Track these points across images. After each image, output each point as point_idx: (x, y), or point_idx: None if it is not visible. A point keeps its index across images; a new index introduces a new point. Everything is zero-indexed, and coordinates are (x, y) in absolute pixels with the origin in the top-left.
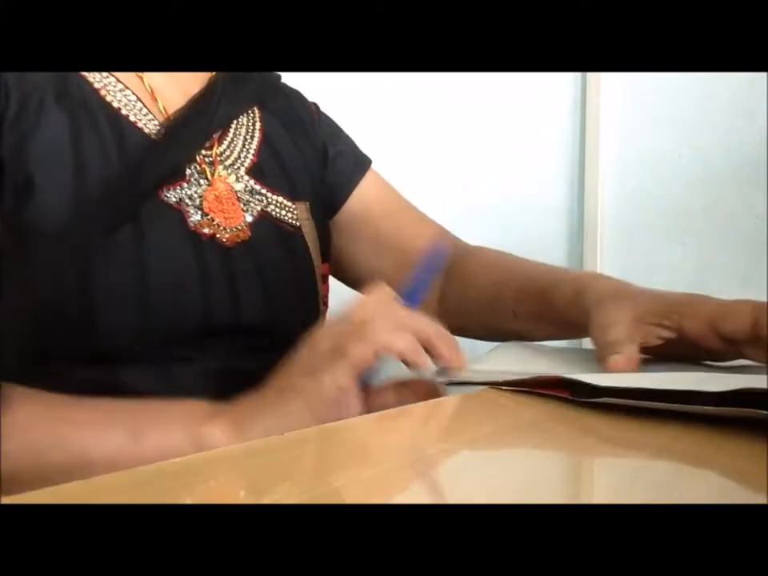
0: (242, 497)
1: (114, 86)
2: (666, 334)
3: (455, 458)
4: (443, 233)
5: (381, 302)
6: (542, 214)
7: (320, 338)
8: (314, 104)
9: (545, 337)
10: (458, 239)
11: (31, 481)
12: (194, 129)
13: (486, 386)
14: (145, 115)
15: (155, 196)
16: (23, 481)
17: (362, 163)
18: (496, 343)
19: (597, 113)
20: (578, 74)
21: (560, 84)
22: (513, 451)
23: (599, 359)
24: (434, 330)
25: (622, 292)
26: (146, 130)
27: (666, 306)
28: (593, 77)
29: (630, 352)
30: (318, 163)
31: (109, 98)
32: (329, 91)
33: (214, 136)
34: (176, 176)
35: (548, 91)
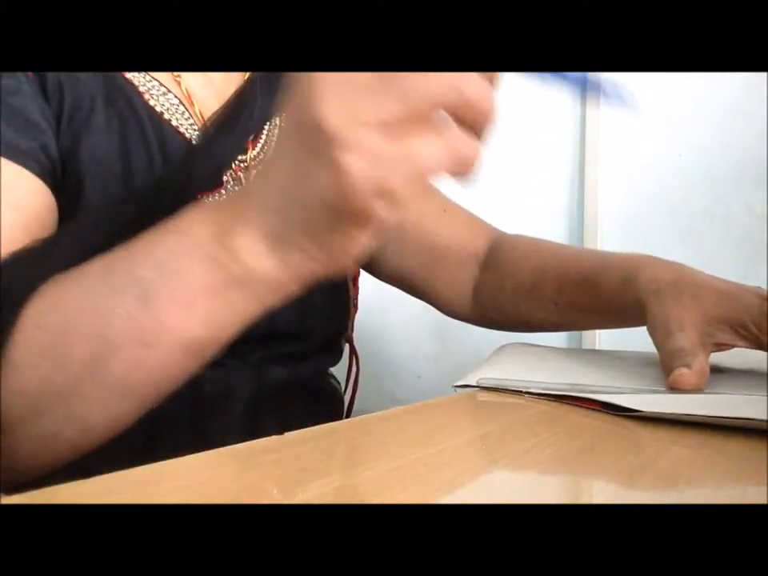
0: (241, 497)
1: (157, 90)
2: (741, 344)
3: (455, 458)
4: (474, 221)
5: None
6: (542, 214)
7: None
8: None
9: (589, 327)
10: (492, 227)
11: (65, 390)
12: (234, 133)
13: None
14: (186, 119)
15: (195, 202)
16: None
17: None
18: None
19: (597, 113)
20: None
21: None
22: (513, 451)
23: (663, 368)
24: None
25: (682, 282)
26: (187, 135)
27: (738, 309)
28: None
29: (700, 365)
30: None
31: (152, 102)
32: None
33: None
34: (216, 183)
35: (548, 91)
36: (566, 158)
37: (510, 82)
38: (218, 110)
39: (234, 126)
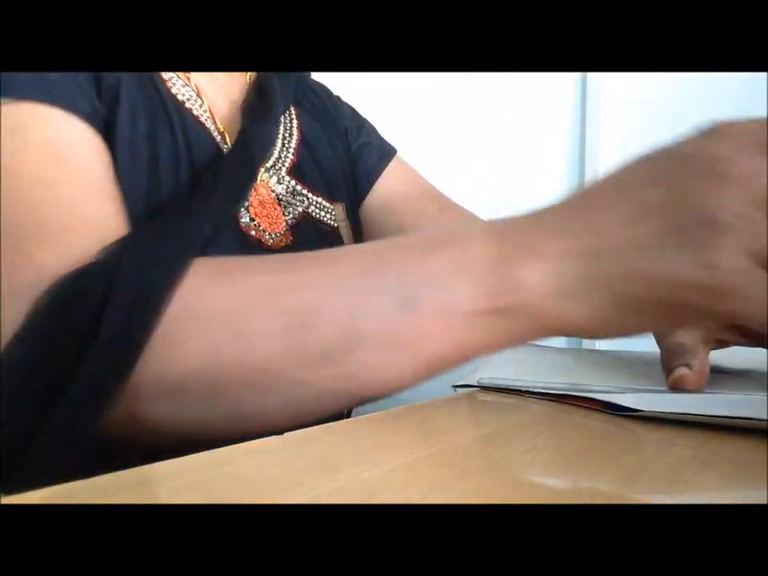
0: (240, 497)
1: (177, 80)
2: (742, 342)
3: (455, 458)
4: (473, 220)
5: None
6: None
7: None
8: (337, 96)
9: None
10: None
11: (292, 373)
12: (264, 138)
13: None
14: (204, 111)
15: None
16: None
17: (386, 153)
18: None
19: (597, 113)
20: (577, 74)
21: (560, 84)
22: (513, 451)
23: (663, 366)
24: None
25: None
26: (207, 126)
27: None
28: (593, 77)
29: (701, 364)
30: (347, 158)
31: (174, 91)
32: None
33: None
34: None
35: (548, 91)
36: (566, 157)
37: (511, 82)
38: (246, 102)
39: (266, 127)
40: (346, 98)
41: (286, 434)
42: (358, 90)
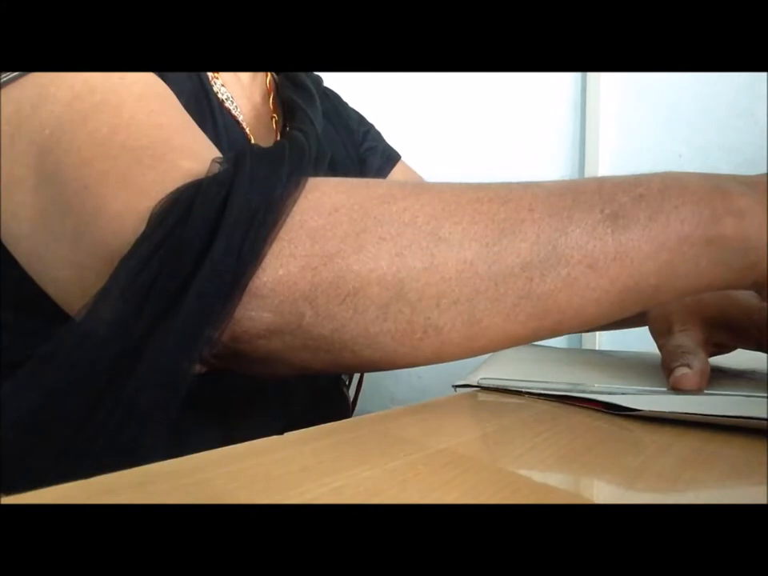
0: (240, 497)
1: (217, 80)
2: (742, 345)
3: (455, 458)
4: None
5: None
6: None
7: None
8: (345, 102)
9: (592, 329)
10: None
11: (484, 285)
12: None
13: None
14: (239, 113)
15: None
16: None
17: (390, 158)
18: None
19: (597, 113)
20: (577, 74)
21: (560, 84)
22: (513, 451)
23: (664, 367)
24: None
25: None
26: (243, 125)
27: (739, 310)
28: (593, 77)
29: (701, 364)
30: (357, 161)
31: (215, 89)
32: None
33: (276, 140)
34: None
35: (548, 91)
36: (566, 158)
37: (511, 82)
38: (284, 95)
39: (305, 133)
40: (346, 97)
41: (286, 434)
42: (358, 89)
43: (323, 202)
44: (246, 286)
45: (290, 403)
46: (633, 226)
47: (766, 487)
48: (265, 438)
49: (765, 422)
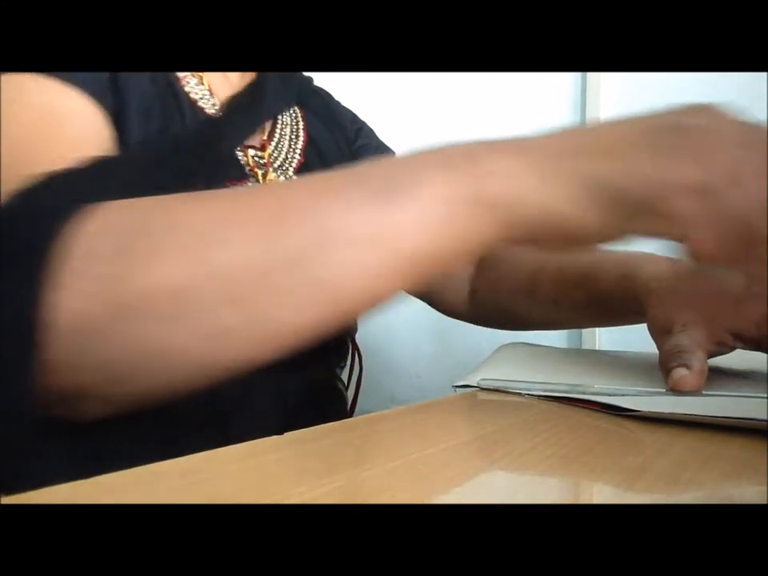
0: (240, 497)
1: (191, 79)
2: (741, 346)
3: (455, 458)
4: None
5: None
6: None
7: (706, 128)
8: (338, 101)
9: (587, 325)
10: None
11: (264, 277)
12: (248, 113)
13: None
14: (217, 110)
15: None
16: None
17: (384, 155)
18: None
19: (597, 113)
20: (577, 74)
21: (560, 84)
22: (513, 451)
23: (662, 367)
24: None
25: (680, 281)
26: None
27: (740, 311)
28: (593, 77)
29: (700, 365)
30: (350, 159)
31: (187, 89)
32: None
33: (264, 138)
34: (229, 158)
35: (548, 91)
36: None
37: (511, 82)
38: (237, 93)
39: (251, 106)
40: (345, 97)
41: (286, 434)
42: (357, 89)
43: (101, 225)
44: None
45: (284, 398)
46: (401, 199)
47: (766, 487)
48: (265, 438)
49: (765, 422)
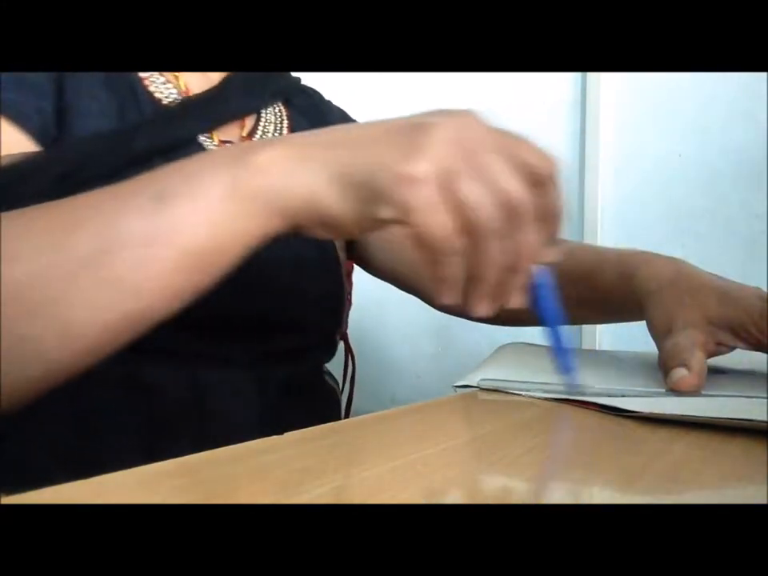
0: (240, 497)
1: (157, 79)
2: (741, 345)
3: (455, 458)
4: None
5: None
6: None
7: (438, 129)
8: (328, 100)
9: (586, 322)
10: None
11: (61, 284)
12: (204, 108)
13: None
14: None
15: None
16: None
17: None
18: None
19: (597, 113)
20: (577, 74)
21: (560, 84)
22: (513, 451)
23: (662, 366)
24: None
25: (682, 280)
26: None
27: (738, 310)
28: (593, 77)
29: (699, 365)
30: None
31: (152, 89)
32: (328, 91)
33: (244, 135)
34: (174, 149)
35: (548, 91)
36: (566, 158)
37: (511, 82)
38: (196, 94)
39: (213, 101)
40: (343, 97)
41: (286, 434)
42: (357, 90)
43: None
44: None
45: (265, 391)
46: (179, 200)
47: (766, 487)
48: (265, 438)
49: (765, 423)
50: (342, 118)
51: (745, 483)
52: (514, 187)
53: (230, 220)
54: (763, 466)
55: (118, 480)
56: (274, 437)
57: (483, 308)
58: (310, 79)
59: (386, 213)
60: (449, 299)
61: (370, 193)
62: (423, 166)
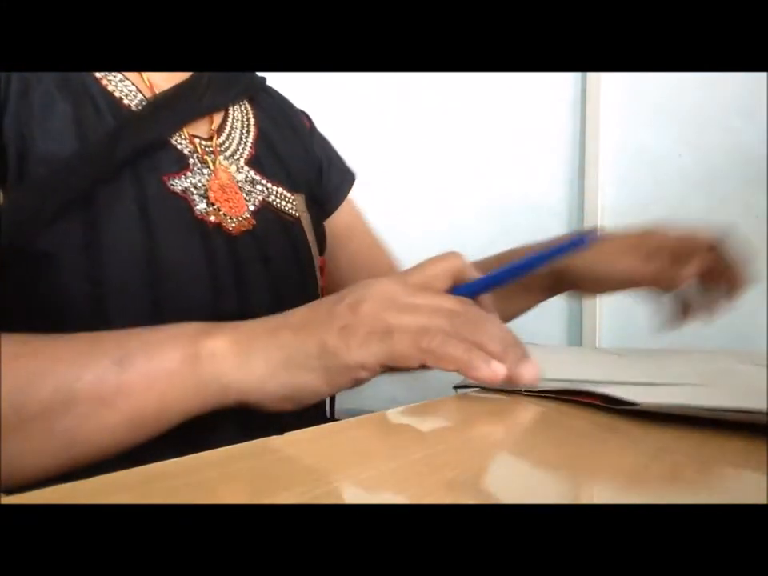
0: (240, 497)
1: (115, 76)
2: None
3: (455, 458)
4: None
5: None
6: (541, 214)
7: (364, 296)
8: (305, 113)
9: (518, 312)
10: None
11: (13, 428)
12: (176, 107)
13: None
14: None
15: (161, 183)
16: (6, 429)
17: (349, 178)
18: None
19: (597, 113)
20: (577, 74)
21: (560, 84)
22: (512, 451)
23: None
24: (504, 336)
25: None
26: None
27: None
28: (593, 77)
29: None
30: (314, 169)
31: (110, 88)
32: (328, 91)
33: (213, 129)
34: (153, 149)
35: (548, 91)
36: (566, 158)
37: (511, 82)
38: (170, 88)
39: (181, 100)
40: (343, 97)
41: (286, 433)
42: (357, 90)
43: None
44: None
45: None
46: (135, 366)
47: (766, 487)
48: (264, 438)
49: (765, 415)
50: (320, 138)
51: (745, 483)
52: (438, 302)
53: (175, 390)
54: (763, 466)
55: (117, 480)
56: (274, 437)
57: (527, 373)
58: (309, 79)
59: (347, 377)
60: (482, 373)
61: (332, 367)
62: (353, 333)
